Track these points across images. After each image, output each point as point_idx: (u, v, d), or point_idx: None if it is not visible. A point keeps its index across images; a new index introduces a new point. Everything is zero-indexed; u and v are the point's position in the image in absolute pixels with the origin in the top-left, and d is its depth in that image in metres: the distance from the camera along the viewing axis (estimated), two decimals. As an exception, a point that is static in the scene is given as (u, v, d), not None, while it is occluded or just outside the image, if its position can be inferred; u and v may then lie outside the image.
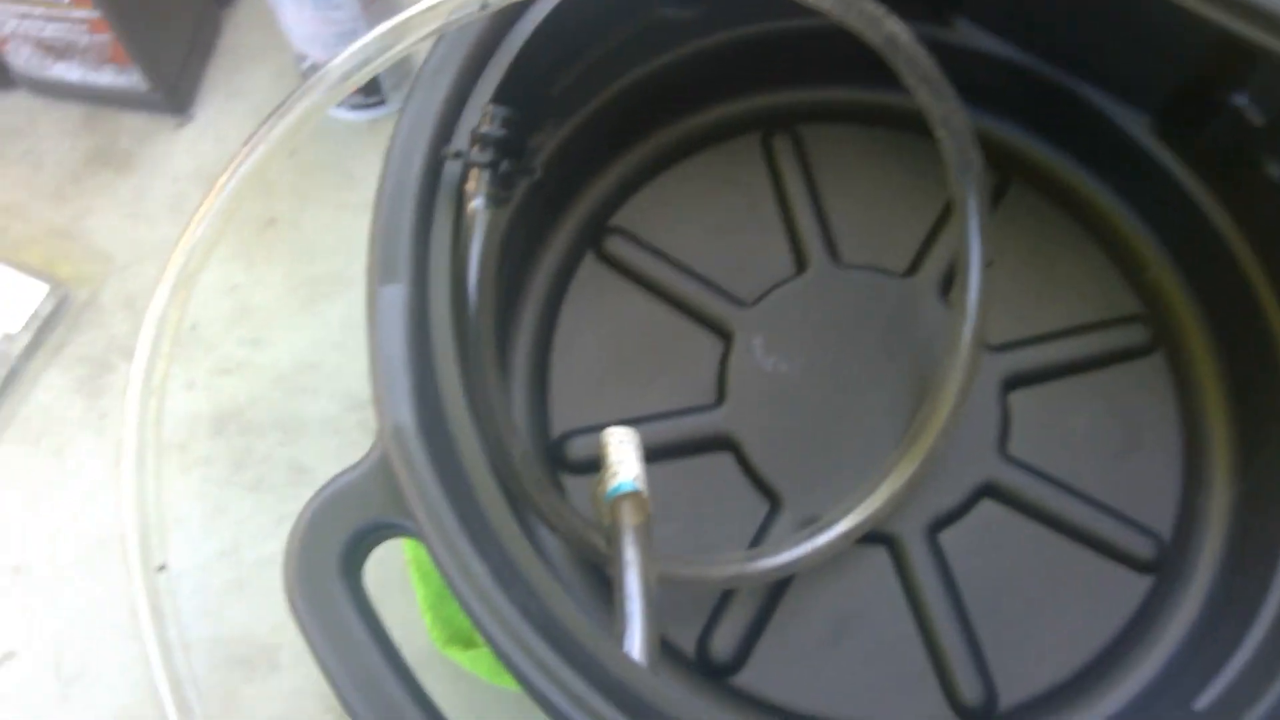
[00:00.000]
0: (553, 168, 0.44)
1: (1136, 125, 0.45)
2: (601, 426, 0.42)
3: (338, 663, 0.26)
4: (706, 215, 0.47)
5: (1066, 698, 0.39)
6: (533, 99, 0.41)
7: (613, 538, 0.32)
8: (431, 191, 0.33)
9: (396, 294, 0.31)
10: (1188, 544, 0.41)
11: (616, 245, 0.46)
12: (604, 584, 0.40)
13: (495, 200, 0.34)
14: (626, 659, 0.27)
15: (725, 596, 0.41)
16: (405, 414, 0.28)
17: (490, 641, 0.26)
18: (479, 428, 0.31)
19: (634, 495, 0.33)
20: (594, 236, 0.46)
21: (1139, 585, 0.41)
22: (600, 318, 0.45)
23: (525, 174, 0.35)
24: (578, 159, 0.45)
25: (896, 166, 0.48)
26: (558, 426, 0.43)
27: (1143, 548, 0.41)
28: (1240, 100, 0.40)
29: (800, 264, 0.46)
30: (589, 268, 0.46)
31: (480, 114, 0.34)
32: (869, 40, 0.38)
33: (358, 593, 0.28)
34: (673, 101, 0.48)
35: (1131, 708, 0.38)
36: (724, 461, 0.43)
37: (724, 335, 0.45)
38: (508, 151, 0.34)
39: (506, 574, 0.27)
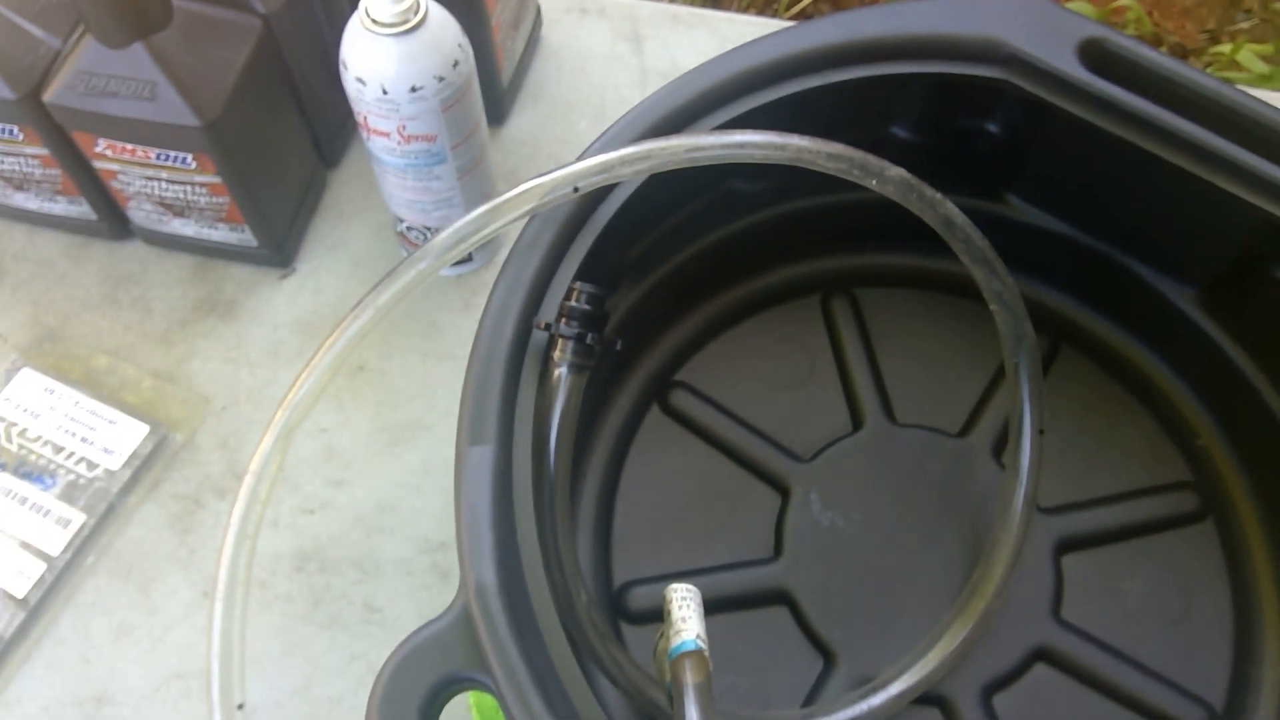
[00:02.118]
0: (624, 327, 0.47)
1: (1183, 298, 0.47)
2: (662, 577, 0.44)
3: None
4: (766, 373, 0.50)
5: None
6: (613, 269, 0.44)
7: (675, 696, 0.33)
8: (520, 359, 0.36)
9: (484, 454, 0.34)
10: (1240, 715, 0.41)
11: (680, 399, 0.49)
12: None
13: (577, 369, 0.37)
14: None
15: (780, 752, 0.41)
16: (489, 572, 0.31)
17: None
18: (552, 582, 0.33)
19: (696, 654, 0.34)
20: (659, 390, 0.49)
21: (1194, 756, 0.41)
22: (663, 469, 0.48)
23: (606, 345, 0.38)
24: (647, 318, 0.48)
25: (951, 330, 0.51)
26: (620, 576, 0.45)
27: (1195, 717, 0.42)
28: None
29: (856, 422, 0.48)
30: (654, 420, 0.49)
31: (568, 289, 0.37)
32: (928, 221, 0.40)
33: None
34: (738, 265, 0.51)
35: None
36: (780, 615, 0.44)
37: (781, 490, 0.47)
38: (591, 324, 0.37)
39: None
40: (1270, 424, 0.45)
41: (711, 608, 0.44)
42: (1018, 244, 0.49)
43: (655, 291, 0.48)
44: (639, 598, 0.44)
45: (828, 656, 0.43)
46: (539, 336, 0.37)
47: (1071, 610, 0.44)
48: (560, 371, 0.36)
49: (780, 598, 0.45)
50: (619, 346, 0.38)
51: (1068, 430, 0.48)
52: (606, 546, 0.46)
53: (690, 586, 0.37)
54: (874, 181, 0.38)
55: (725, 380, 0.50)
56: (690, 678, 0.33)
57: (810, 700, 0.43)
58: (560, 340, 0.36)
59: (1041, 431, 0.42)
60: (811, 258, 0.52)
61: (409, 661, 0.30)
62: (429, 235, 0.53)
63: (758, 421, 0.48)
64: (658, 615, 0.42)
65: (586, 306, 0.37)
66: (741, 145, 0.37)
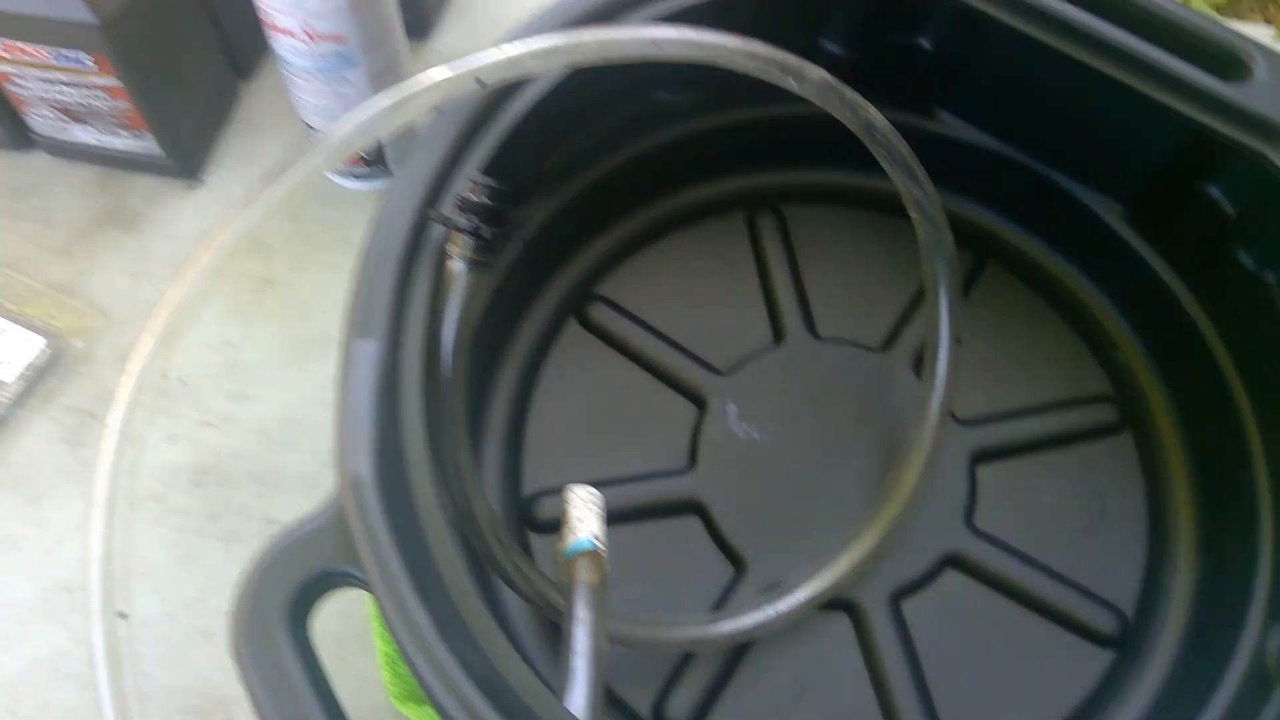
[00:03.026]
0: (542, 237, 0.45)
1: (1110, 212, 0.46)
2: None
3: (274, 711, 0.27)
4: (688, 288, 0.49)
5: (1024, 773, 0.39)
6: (524, 172, 0.43)
7: (566, 595, 0.32)
8: (414, 253, 0.35)
9: (369, 349, 0.32)
10: (1150, 620, 0.42)
11: (599, 313, 0.48)
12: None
13: (476, 265, 0.35)
14: (567, 715, 0.28)
15: (684, 659, 0.41)
16: (364, 464, 0.30)
17: (425, 690, 0.26)
18: (442, 484, 0.32)
19: (591, 554, 0.33)
20: (577, 304, 0.48)
21: (1100, 660, 0.41)
22: (579, 382, 0.47)
23: (505, 242, 0.36)
24: (566, 230, 0.47)
25: (878, 247, 0.50)
26: (530, 486, 0.44)
27: (1105, 622, 0.42)
28: (1213, 191, 0.42)
29: (777, 336, 0.48)
30: (571, 333, 0.48)
31: (467, 183, 0.36)
32: (849, 125, 0.39)
33: (303, 643, 0.28)
34: (662, 179, 0.49)
35: (1088, 785, 0.38)
36: (692, 525, 0.44)
37: (698, 402, 0.46)
38: (491, 219, 0.35)
39: (452, 627, 0.27)
40: (1191, 336, 0.44)
41: (623, 518, 0.44)
42: (947, 160, 0.48)
43: (575, 202, 0.47)
44: (549, 507, 0.43)
45: (738, 565, 0.43)
46: (437, 234, 0.36)
47: (985, 518, 0.44)
48: (456, 267, 0.35)
49: (693, 508, 0.44)
50: (522, 243, 0.37)
51: (990, 345, 0.48)
52: (517, 456, 0.45)
53: (593, 490, 0.36)
54: (793, 82, 0.37)
55: (645, 295, 0.48)
56: (583, 576, 0.33)
57: (719, 607, 0.42)
58: (457, 234, 0.35)
59: (958, 340, 0.42)
60: (738, 173, 0.50)
61: (277, 558, 0.29)
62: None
63: (677, 336, 0.48)
64: None
65: (485, 201, 0.35)
66: (657, 41, 0.35)
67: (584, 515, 0.35)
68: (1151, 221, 0.45)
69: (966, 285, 0.49)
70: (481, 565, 0.36)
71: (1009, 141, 0.47)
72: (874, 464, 0.44)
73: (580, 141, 0.45)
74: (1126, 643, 0.41)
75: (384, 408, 0.31)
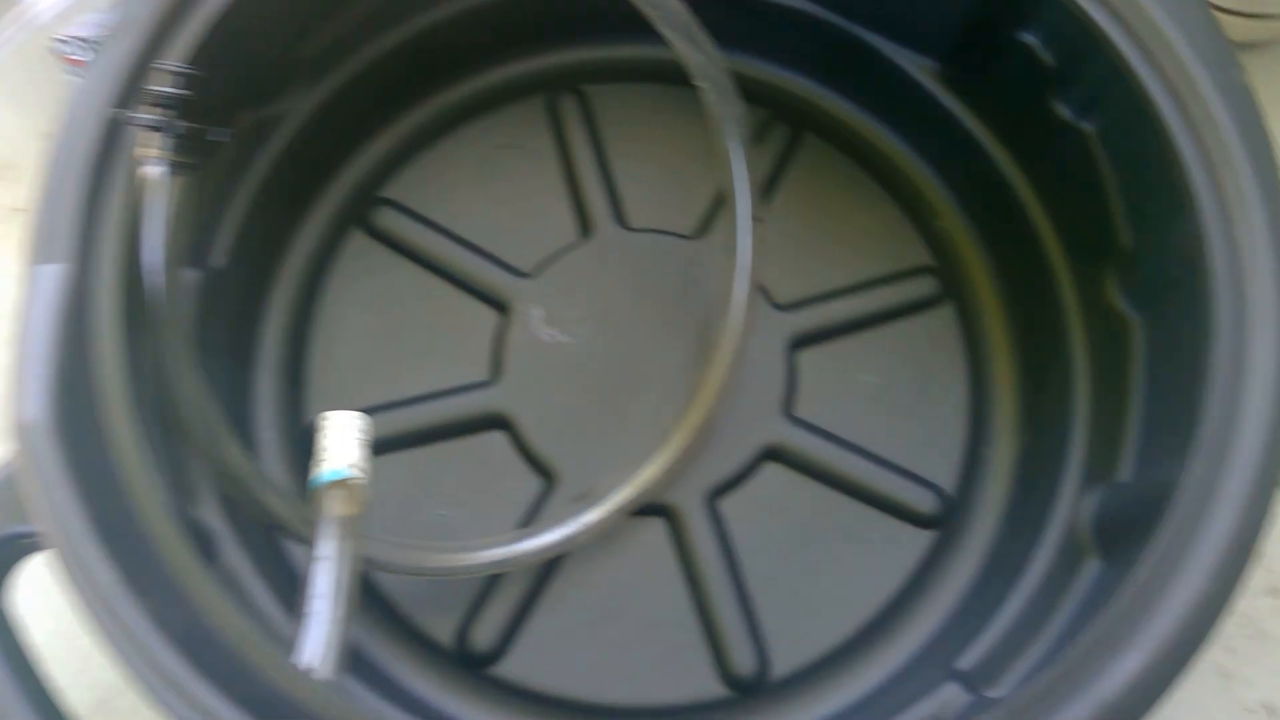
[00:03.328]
0: (309, 135, 0.41)
1: (924, 73, 0.43)
2: (366, 409, 0.40)
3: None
4: (486, 184, 0.45)
5: (840, 663, 0.38)
6: (268, 58, 0.38)
7: (313, 531, 0.30)
8: (107, 160, 0.31)
9: (53, 274, 0.28)
10: (971, 497, 0.40)
11: (387, 218, 0.44)
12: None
13: (180, 168, 0.31)
14: (292, 669, 0.25)
15: (492, 581, 0.39)
16: (38, 409, 0.26)
17: (111, 652, 0.23)
18: (143, 426, 0.28)
19: (342, 484, 0.31)
20: (361, 210, 0.44)
21: (921, 541, 0.40)
22: (369, 296, 0.43)
23: (216, 139, 0.32)
24: (339, 126, 0.43)
25: (689, 125, 0.46)
26: (315, 411, 0.41)
27: (926, 503, 0.40)
28: (1029, 39, 0.39)
29: (585, 230, 0.45)
30: (357, 244, 0.44)
31: (154, 72, 0.31)
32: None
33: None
34: (446, 64, 0.45)
35: (901, 669, 0.37)
36: (497, 441, 0.41)
37: (501, 308, 0.43)
38: (190, 113, 0.31)
39: (147, 581, 0.24)
40: (1009, 198, 0.42)
41: (423, 439, 0.41)
42: (756, 25, 0.45)
43: (344, 94, 0.42)
44: (339, 434, 0.40)
45: (549, 478, 0.41)
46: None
47: (805, 406, 0.42)
48: (153, 172, 0.31)
49: (497, 422, 0.41)
50: (226, 138, 0.33)
51: (809, 223, 0.45)
52: (298, 383, 0.41)
53: (357, 415, 0.33)
54: None
55: (438, 195, 0.45)
56: (328, 510, 0.30)
57: (527, 524, 0.40)
58: (151, 135, 0.31)
59: (759, 220, 0.39)
60: (534, 53, 0.46)
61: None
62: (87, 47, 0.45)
63: (475, 237, 0.44)
64: None
65: (177, 89, 0.31)
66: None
67: (337, 443, 0.31)
68: (966, 78, 0.43)
69: (783, 159, 0.46)
70: (228, 517, 0.33)
71: (814, 1, 0.43)
72: (691, 359, 0.42)
73: (343, 21, 0.41)
74: (947, 522, 0.40)
75: (70, 342, 0.27)
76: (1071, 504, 0.37)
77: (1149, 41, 0.33)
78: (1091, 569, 0.35)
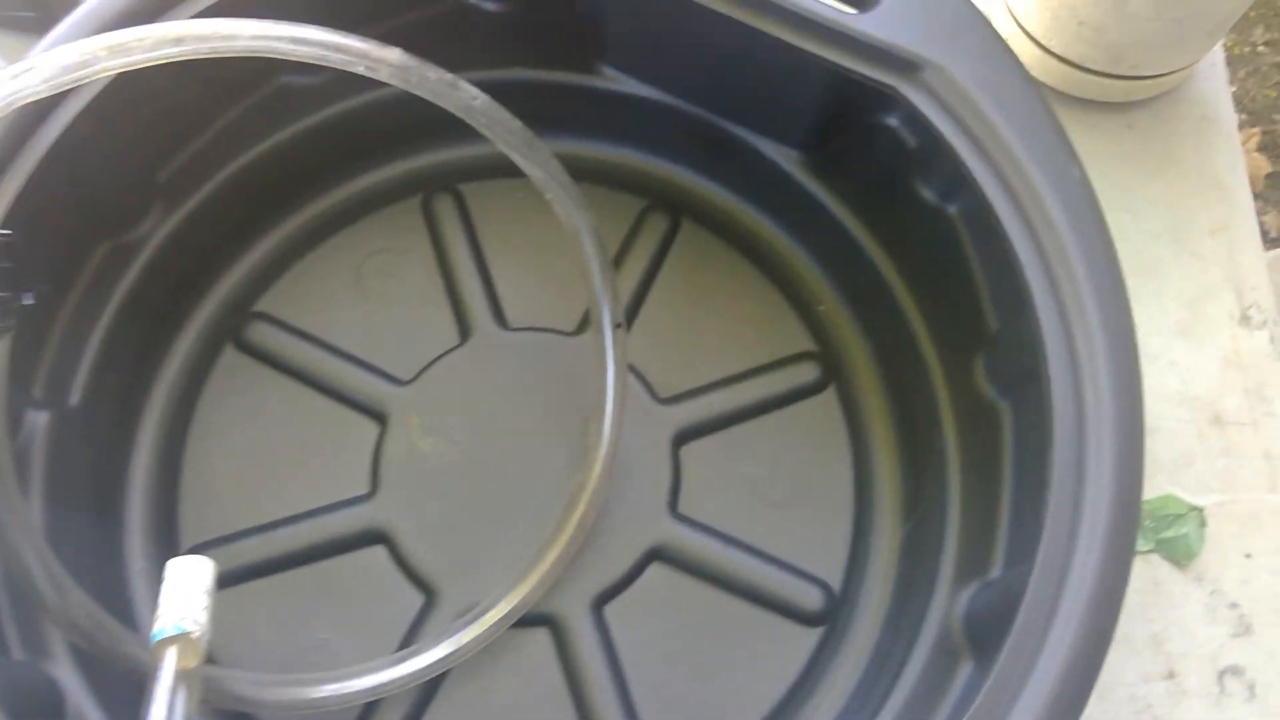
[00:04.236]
0: (172, 255, 0.41)
1: (788, 160, 0.43)
2: (242, 533, 0.40)
3: None
4: (362, 291, 0.45)
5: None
6: (128, 191, 0.38)
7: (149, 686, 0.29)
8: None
9: None
10: (855, 593, 0.40)
11: (259, 333, 0.43)
12: None
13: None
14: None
15: (371, 706, 0.38)
16: None
17: None
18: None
19: (180, 638, 0.30)
20: (233, 326, 0.43)
21: (808, 640, 0.40)
22: (243, 414, 0.42)
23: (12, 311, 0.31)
24: (204, 244, 0.42)
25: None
26: (190, 539, 0.40)
27: (811, 599, 0.40)
28: (892, 121, 0.39)
29: (464, 333, 0.44)
30: (229, 360, 0.43)
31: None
32: (449, 108, 0.35)
33: None
34: (315, 172, 0.45)
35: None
36: (377, 556, 0.41)
37: (379, 418, 0.42)
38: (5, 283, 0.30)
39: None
40: (880, 284, 0.42)
41: (300, 560, 0.40)
42: (622, 116, 0.45)
43: (209, 212, 0.42)
44: (218, 560, 0.39)
45: (430, 592, 0.40)
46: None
47: (689, 503, 0.42)
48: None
49: (376, 537, 0.41)
50: (31, 300, 0.32)
51: (689, 311, 0.45)
52: (173, 507, 0.40)
53: (198, 559, 0.32)
54: (364, 68, 0.33)
55: (313, 305, 0.44)
56: (166, 666, 0.29)
57: (409, 642, 0.39)
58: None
59: (619, 325, 0.39)
60: (407, 154, 0.46)
61: None
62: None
63: (352, 347, 0.44)
64: (238, 576, 0.38)
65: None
66: (180, 39, 0.30)
67: (177, 593, 0.31)
68: (831, 165, 0.43)
69: (662, 248, 0.46)
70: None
71: (676, 94, 0.43)
72: (574, 459, 0.42)
73: (202, 141, 0.40)
74: (833, 619, 0.40)
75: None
76: (947, 600, 0.37)
77: (985, 142, 0.33)
78: (965, 670, 0.34)
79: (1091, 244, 0.31)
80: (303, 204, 0.45)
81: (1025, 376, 0.34)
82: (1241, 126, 1.31)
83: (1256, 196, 1.27)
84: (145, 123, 0.38)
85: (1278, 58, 1.36)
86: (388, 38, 0.40)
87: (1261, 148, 1.31)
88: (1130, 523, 0.29)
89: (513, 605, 0.38)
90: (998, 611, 0.33)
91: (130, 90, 0.34)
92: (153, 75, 0.30)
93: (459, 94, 0.35)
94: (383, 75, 0.33)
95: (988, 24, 0.35)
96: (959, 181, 0.36)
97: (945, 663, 0.35)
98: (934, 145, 0.36)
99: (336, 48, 0.32)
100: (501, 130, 0.35)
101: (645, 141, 0.46)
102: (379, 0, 0.41)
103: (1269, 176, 1.28)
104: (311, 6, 0.34)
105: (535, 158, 0.36)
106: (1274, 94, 1.34)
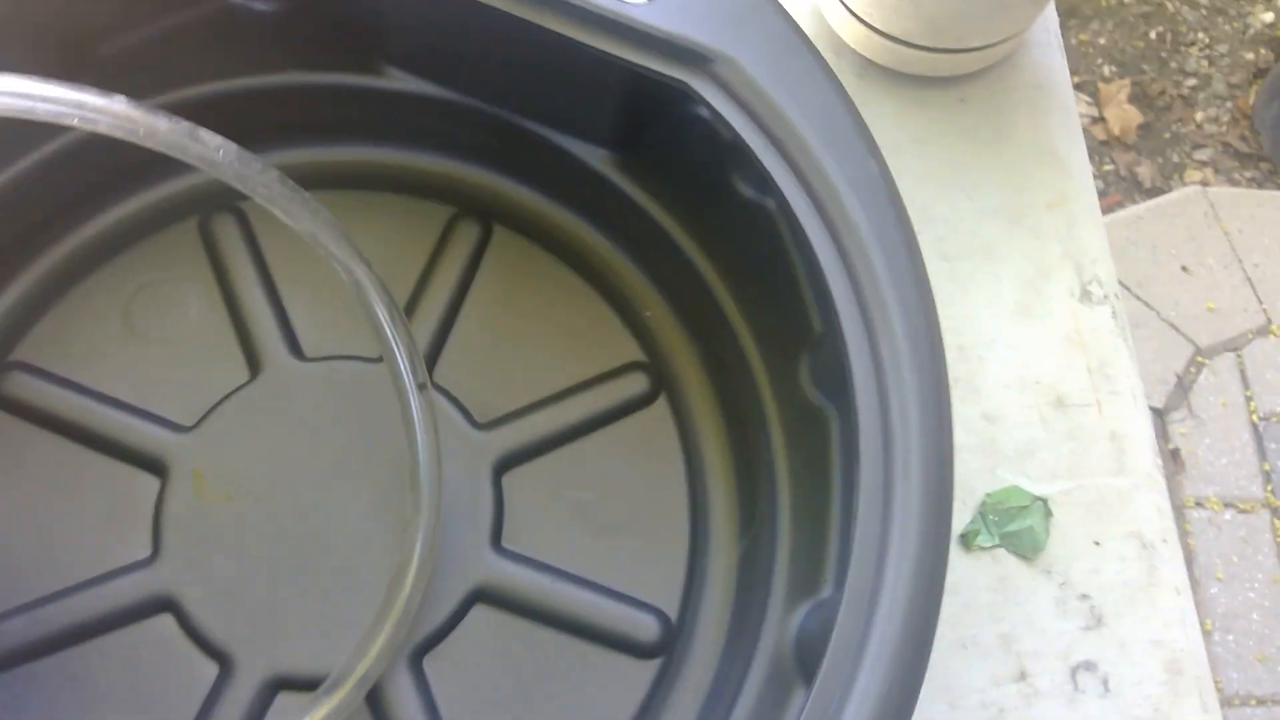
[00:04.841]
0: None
1: (598, 160, 0.40)
2: (5, 615, 0.35)
3: None
4: (134, 329, 0.40)
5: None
6: None
7: None
8: None
9: None
10: (692, 619, 0.38)
11: (18, 385, 0.39)
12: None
13: None
14: None
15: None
16: None
17: None
18: None
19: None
20: (-16, 380, 0.38)
21: (645, 673, 0.37)
22: (3, 478, 0.37)
23: None
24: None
25: (366, 232, 0.42)
26: (-57, 628, 0.35)
27: (647, 630, 0.37)
28: (705, 112, 0.36)
29: (253, 367, 0.40)
30: (-18, 419, 0.38)
31: None
32: (193, 164, 0.31)
33: None
34: (70, 199, 0.40)
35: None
36: (164, 626, 0.36)
37: (158, 471, 0.38)
38: None
39: None
40: (700, 284, 0.40)
41: (78, 637, 0.36)
42: (415, 118, 0.41)
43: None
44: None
45: (224, 662, 0.36)
46: None
47: (514, 536, 0.38)
48: None
49: (161, 604, 0.36)
50: None
51: (507, 325, 0.42)
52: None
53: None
54: (78, 120, 0.28)
55: (79, 349, 0.40)
56: None
57: (205, 717, 0.35)
58: None
59: (422, 386, 0.35)
60: (174, 173, 0.41)
61: None
62: None
63: (125, 394, 0.39)
64: (6, 662, 0.34)
65: None
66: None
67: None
68: (645, 164, 0.40)
69: (474, 258, 0.42)
70: None
71: (470, 94, 0.40)
72: (386, 497, 0.38)
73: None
74: (670, 649, 0.37)
75: None
76: (779, 623, 0.34)
77: (779, 137, 0.31)
78: (799, 697, 0.32)
79: (891, 241, 0.29)
80: (58, 236, 0.40)
81: (842, 379, 0.32)
82: (1111, 79, 1.33)
83: (1129, 148, 1.29)
84: None
85: (1144, 8, 1.38)
86: (140, 50, 0.36)
87: (1133, 99, 1.33)
88: (942, 530, 0.27)
89: (361, 676, 0.34)
90: (825, 635, 0.31)
91: None
92: None
93: (198, 146, 0.30)
94: (103, 128, 0.29)
95: (781, 10, 0.32)
96: (765, 177, 0.34)
97: (779, 690, 0.33)
98: (737, 140, 0.33)
99: (43, 98, 0.27)
100: (256, 184, 0.31)
101: (445, 145, 0.42)
102: (127, 7, 0.36)
103: (1141, 127, 1.30)
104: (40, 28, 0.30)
105: (297, 212, 0.32)
106: (1142, 44, 1.37)
